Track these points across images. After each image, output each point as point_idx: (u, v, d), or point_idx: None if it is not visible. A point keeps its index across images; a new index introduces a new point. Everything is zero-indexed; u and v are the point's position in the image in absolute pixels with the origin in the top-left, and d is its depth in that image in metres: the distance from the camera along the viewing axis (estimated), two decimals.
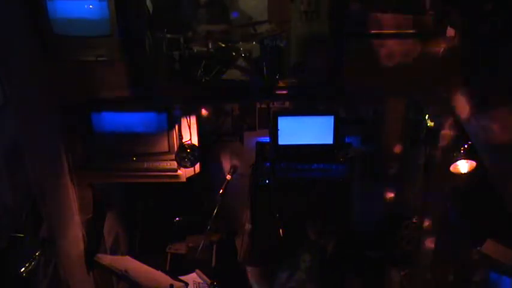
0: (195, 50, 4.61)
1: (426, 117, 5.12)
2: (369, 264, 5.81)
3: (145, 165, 4.94)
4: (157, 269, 4.72)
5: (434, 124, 4.86)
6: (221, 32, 4.78)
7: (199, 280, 4.75)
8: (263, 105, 5.81)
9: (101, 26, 4.00)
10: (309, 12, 4.23)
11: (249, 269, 5.23)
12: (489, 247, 3.75)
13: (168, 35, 4.46)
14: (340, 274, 5.18)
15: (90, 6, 3.98)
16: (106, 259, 4.72)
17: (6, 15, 3.59)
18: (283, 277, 5.22)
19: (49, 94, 4.23)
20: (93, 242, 5.16)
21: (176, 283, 4.51)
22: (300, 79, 4.41)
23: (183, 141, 4.90)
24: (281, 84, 4.50)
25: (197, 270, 4.84)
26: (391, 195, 5.98)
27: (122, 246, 6.17)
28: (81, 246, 4.96)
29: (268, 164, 5.47)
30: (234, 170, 5.02)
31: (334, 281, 5.16)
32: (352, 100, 5.12)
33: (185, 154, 4.82)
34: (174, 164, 4.92)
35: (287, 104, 5.55)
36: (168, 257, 6.14)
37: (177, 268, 5.57)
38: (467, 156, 4.19)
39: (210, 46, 4.63)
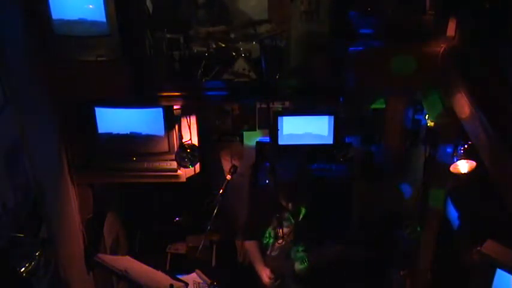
0: (195, 50, 4.62)
1: (426, 117, 5.12)
2: (369, 265, 5.80)
3: (146, 165, 4.95)
4: (157, 269, 4.71)
5: (434, 124, 4.86)
6: (221, 32, 4.78)
7: (199, 280, 4.74)
8: (263, 105, 5.80)
9: (101, 26, 3.99)
10: (309, 12, 4.23)
11: (247, 243, 5.21)
12: (489, 247, 3.74)
13: (168, 35, 4.46)
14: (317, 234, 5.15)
15: (90, 6, 3.98)
16: (106, 259, 4.71)
17: (6, 15, 3.59)
18: (268, 247, 5.24)
19: (49, 94, 4.23)
20: (93, 242, 5.16)
21: (176, 283, 4.50)
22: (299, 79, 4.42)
23: (183, 141, 4.90)
24: (281, 84, 4.50)
25: (197, 270, 4.83)
26: (391, 195, 5.97)
27: (122, 246, 6.16)
28: (81, 246, 4.96)
29: (268, 164, 5.47)
30: (234, 170, 5.00)
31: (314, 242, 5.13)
32: (352, 100, 5.12)
33: (185, 154, 4.82)
34: (174, 164, 4.92)
35: (287, 104, 5.55)
36: (168, 257, 6.14)
37: (177, 268, 5.57)
38: (467, 156, 4.18)
39: (210, 46, 4.63)
